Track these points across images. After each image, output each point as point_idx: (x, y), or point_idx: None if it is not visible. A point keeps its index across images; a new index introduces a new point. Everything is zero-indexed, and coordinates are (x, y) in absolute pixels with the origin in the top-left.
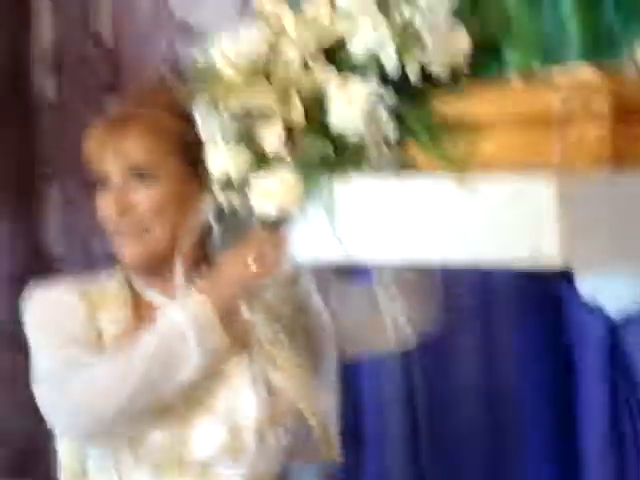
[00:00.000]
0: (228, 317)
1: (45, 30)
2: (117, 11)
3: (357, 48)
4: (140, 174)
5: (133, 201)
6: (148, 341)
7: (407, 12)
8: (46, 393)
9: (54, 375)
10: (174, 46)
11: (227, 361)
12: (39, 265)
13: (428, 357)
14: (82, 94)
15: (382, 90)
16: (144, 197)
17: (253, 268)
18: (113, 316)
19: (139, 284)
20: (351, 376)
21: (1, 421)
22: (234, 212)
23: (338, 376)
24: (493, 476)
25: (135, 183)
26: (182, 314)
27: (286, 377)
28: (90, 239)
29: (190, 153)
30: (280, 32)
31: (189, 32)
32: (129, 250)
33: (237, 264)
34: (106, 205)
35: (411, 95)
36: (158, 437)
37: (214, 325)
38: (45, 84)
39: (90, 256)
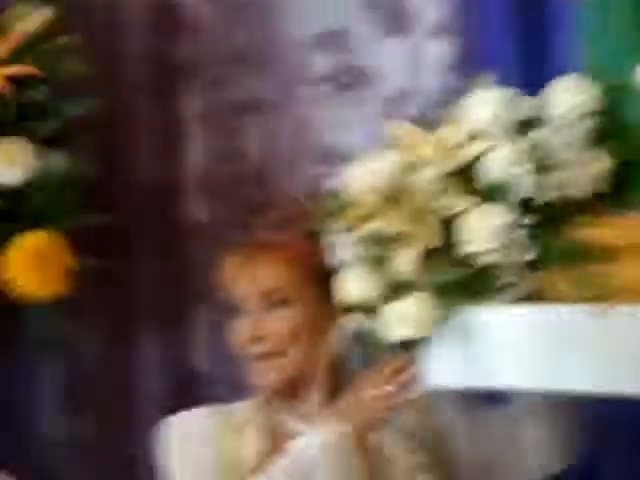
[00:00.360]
0: (364, 446)
1: (197, 156)
2: (265, 136)
3: (491, 171)
4: (274, 300)
5: (267, 327)
6: (283, 469)
7: (543, 135)
8: None
9: None
10: (319, 170)
11: None
12: (187, 387)
13: None
14: (231, 216)
15: (516, 214)
16: (278, 323)
17: (387, 394)
18: (249, 441)
19: (275, 411)
20: None
21: None
22: (366, 337)
23: None
24: None
25: (269, 309)
26: (316, 442)
27: None
28: (235, 361)
29: (322, 279)
30: (414, 155)
31: (335, 156)
32: (264, 376)
33: (371, 389)
34: (241, 331)
35: (546, 219)
36: None
37: (350, 453)
38: (195, 207)
39: (236, 378)
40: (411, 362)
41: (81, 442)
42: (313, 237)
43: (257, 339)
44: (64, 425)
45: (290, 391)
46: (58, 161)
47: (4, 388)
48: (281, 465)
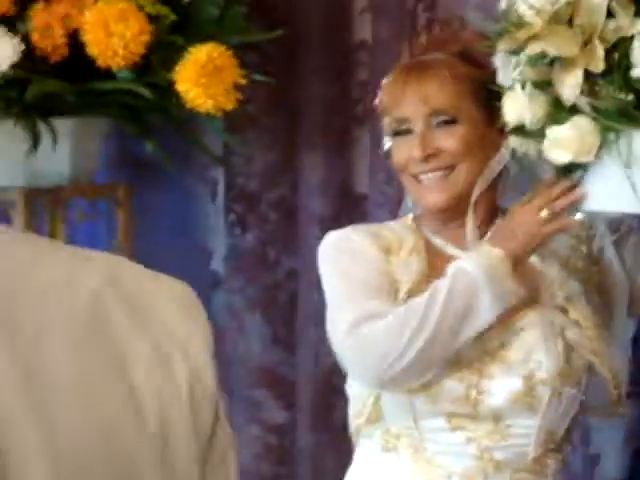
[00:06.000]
0: (521, 269)
1: None
2: None
3: None
4: (442, 120)
5: (438, 145)
6: (442, 291)
7: None
8: (340, 342)
9: (348, 325)
10: None
11: (521, 315)
12: (347, 207)
13: None
14: (398, 36)
15: None
16: (450, 140)
17: (545, 218)
18: (405, 263)
19: (430, 233)
20: None
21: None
22: (528, 161)
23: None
24: None
25: (436, 129)
26: (475, 265)
27: (580, 332)
28: (393, 182)
29: (487, 99)
30: None
31: None
32: (434, 195)
33: (529, 214)
34: (409, 151)
35: None
36: (453, 386)
37: (507, 276)
38: (362, 27)
39: (394, 202)
40: (571, 187)
41: (242, 255)
42: (477, 57)
43: (427, 157)
44: (226, 239)
45: (452, 211)
46: None
47: (175, 202)
48: (442, 287)
